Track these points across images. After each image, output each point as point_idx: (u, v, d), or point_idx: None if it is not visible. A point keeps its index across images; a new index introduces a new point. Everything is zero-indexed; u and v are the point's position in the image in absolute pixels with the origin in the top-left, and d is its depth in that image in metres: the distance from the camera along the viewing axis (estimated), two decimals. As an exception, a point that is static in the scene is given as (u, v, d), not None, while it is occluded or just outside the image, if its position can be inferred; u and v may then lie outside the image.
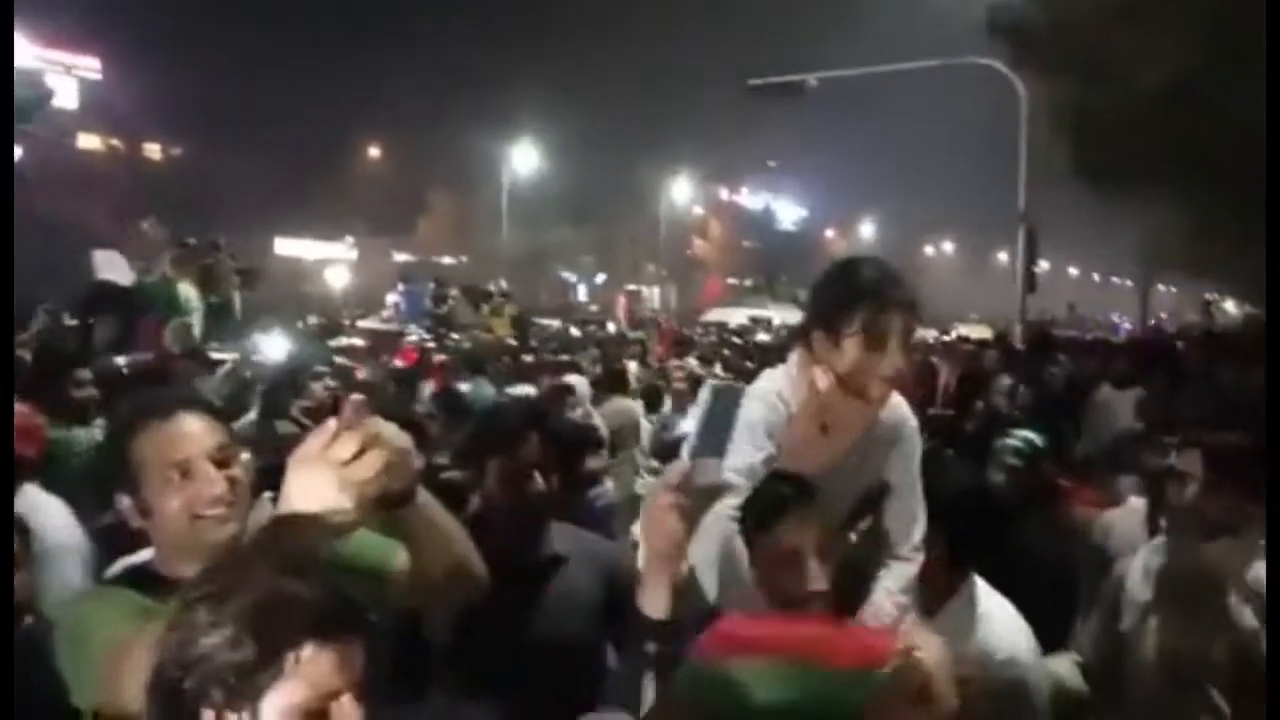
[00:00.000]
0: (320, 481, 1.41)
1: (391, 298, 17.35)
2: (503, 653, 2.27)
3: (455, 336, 13.09)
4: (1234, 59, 10.03)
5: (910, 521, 2.23)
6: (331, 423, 1.45)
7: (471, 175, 40.10)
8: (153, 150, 37.74)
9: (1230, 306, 35.64)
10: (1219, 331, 14.96)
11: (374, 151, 44.34)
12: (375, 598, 1.70)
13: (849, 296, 2.08)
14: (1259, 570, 2.45)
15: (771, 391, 2.19)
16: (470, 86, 38.78)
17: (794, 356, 2.21)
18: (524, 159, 40.28)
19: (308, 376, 5.61)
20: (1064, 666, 2.78)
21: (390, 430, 1.48)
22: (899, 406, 2.24)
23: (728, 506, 2.02)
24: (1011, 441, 3.84)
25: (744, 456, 2.08)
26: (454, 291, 15.73)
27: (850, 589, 2.04)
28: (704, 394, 1.63)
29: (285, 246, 37.82)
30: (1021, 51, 13.95)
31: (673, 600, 1.53)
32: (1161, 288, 37.34)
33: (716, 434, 1.59)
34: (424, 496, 1.64)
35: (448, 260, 37.81)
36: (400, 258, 36.87)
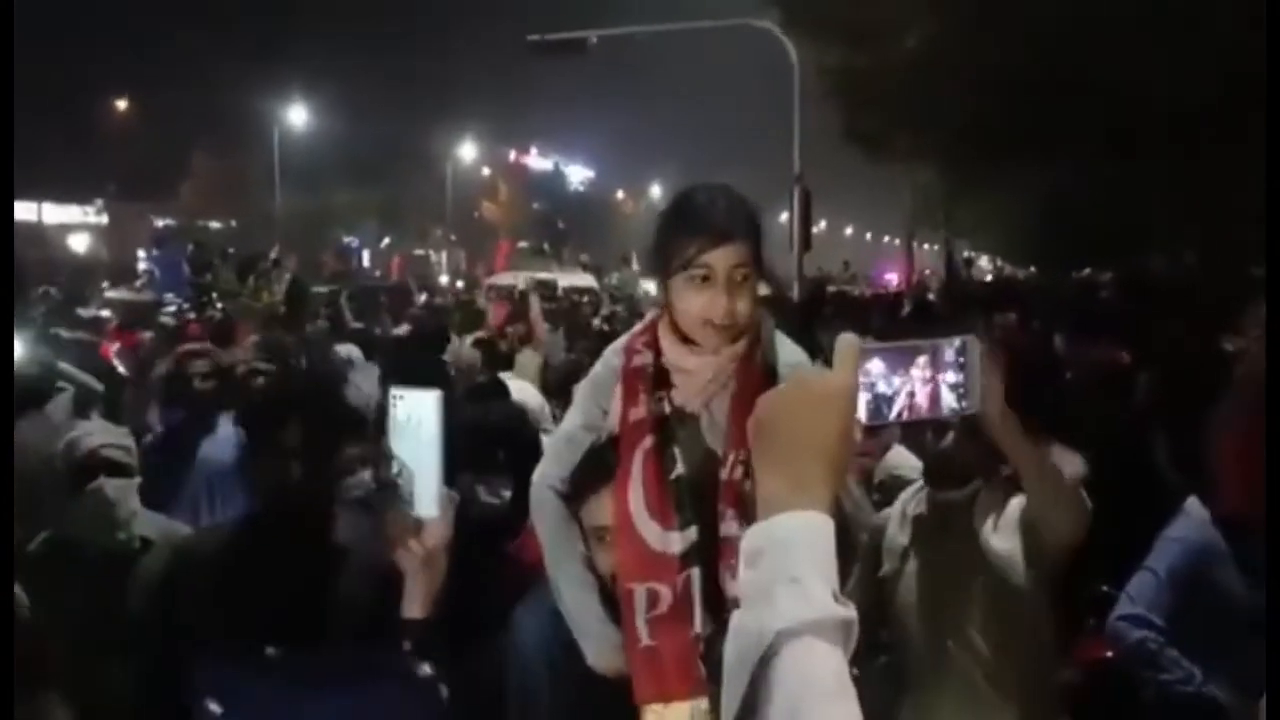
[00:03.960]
0: None
1: (144, 265, 15.84)
2: None
3: (219, 306, 12.13)
4: (983, 21, 10.55)
5: None
6: None
7: (239, 134, 37.44)
8: None
9: (984, 263, 38.65)
10: (965, 284, 16.06)
11: (121, 105, 40.65)
12: None
13: (672, 227, 1.81)
14: (1013, 506, 2.48)
15: (611, 347, 1.94)
16: (236, 42, 36.12)
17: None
18: (298, 118, 37.94)
19: None
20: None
21: None
22: (789, 360, 1.87)
23: (549, 476, 1.88)
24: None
25: (568, 421, 1.94)
26: (217, 259, 14.53)
27: None
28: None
29: (23, 210, 34.27)
30: (792, 14, 14.31)
31: (428, 602, 1.56)
32: (927, 246, 39.93)
33: (407, 445, 1.49)
34: None
35: (215, 225, 35.30)
36: (161, 223, 34.06)
